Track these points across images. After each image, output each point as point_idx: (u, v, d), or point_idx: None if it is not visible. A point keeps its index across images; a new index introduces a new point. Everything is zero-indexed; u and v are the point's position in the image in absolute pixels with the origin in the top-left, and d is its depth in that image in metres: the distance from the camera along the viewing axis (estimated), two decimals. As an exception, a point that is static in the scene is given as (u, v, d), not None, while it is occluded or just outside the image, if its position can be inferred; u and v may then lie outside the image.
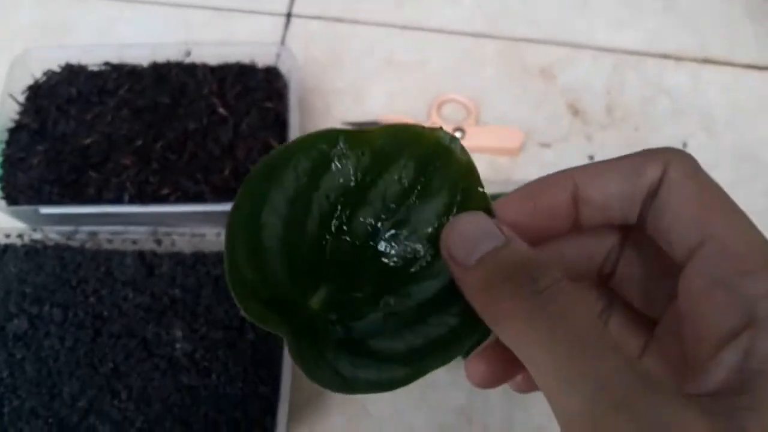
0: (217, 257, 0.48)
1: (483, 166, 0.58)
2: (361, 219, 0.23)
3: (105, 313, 0.45)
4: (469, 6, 0.67)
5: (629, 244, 0.23)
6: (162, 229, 0.47)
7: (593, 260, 0.23)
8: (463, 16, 0.66)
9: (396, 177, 0.23)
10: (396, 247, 0.23)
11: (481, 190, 0.23)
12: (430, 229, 0.23)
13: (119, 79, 0.54)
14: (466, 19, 0.66)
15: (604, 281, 0.24)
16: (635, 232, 0.22)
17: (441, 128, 0.24)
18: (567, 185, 0.21)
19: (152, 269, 0.47)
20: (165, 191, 0.49)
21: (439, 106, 0.60)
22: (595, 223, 0.21)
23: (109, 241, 0.48)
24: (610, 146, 0.59)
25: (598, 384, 0.16)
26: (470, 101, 0.60)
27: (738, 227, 0.19)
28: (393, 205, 0.23)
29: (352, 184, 0.23)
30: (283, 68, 0.56)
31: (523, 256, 0.19)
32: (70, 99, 0.53)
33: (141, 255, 0.47)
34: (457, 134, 0.57)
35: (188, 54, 0.55)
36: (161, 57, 0.55)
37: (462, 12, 0.67)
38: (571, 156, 0.59)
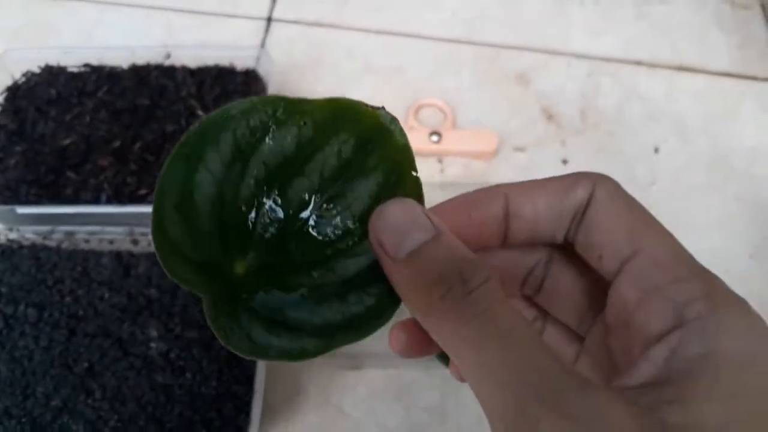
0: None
1: (458, 169, 0.59)
2: (297, 189, 0.23)
3: (80, 313, 0.46)
4: (447, 12, 0.68)
5: (555, 262, 0.24)
6: (139, 230, 0.48)
7: (516, 275, 0.24)
8: (442, 21, 0.67)
9: (335, 150, 0.23)
10: (327, 221, 0.23)
11: (414, 174, 0.23)
12: (362, 208, 0.23)
13: (98, 81, 0.54)
14: (444, 25, 0.67)
15: (530, 297, 0.25)
16: (560, 251, 0.23)
17: (383, 108, 0.24)
18: (499, 200, 0.22)
19: (129, 269, 0.47)
20: (143, 191, 0.49)
21: (417, 111, 0.61)
22: (524, 239, 0.22)
23: (86, 241, 0.48)
24: (584, 151, 0.60)
25: (525, 378, 0.17)
26: (447, 106, 0.61)
27: (665, 242, 0.20)
28: (329, 180, 0.23)
29: (291, 153, 0.22)
30: (262, 71, 0.57)
31: (454, 253, 0.19)
32: (49, 100, 0.53)
33: (118, 255, 0.48)
34: (434, 138, 0.58)
35: (168, 57, 0.56)
36: (141, 59, 0.56)
37: (440, 17, 0.68)
38: (545, 160, 0.60)
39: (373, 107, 0.24)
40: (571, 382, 0.16)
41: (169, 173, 0.21)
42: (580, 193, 0.21)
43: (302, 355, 0.21)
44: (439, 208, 0.22)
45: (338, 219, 0.23)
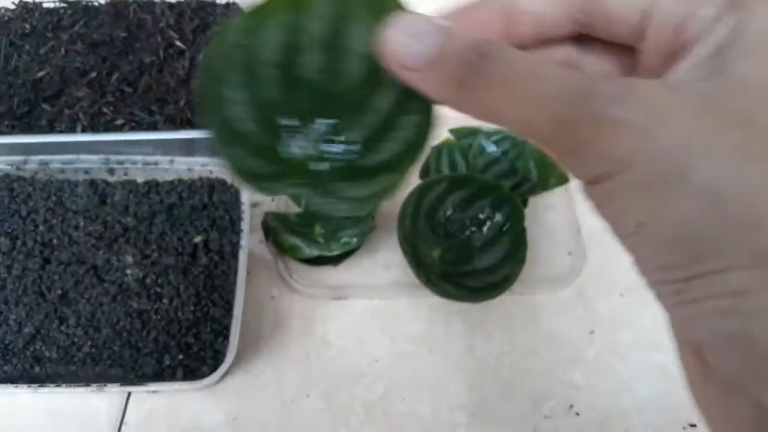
0: (171, 186, 0.47)
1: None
2: (307, 58, 0.23)
3: (55, 242, 0.44)
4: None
5: (579, 56, 0.23)
6: (114, 158, 0.47)
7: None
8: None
9: (318, 13, 0.22)
10: (343, 71, 0.23)
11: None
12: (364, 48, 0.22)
13: (75, 15, 0.53)
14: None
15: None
16: (577, 44, 0.22)
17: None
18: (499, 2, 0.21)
19: (105, 198, 0.46)
20: (119, 122, 0.48)
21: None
22: (532, 36, 0.21)
23: (61, 171, 0.47)
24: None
25: (569, 94, 0.17)
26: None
27: None
28: (326, 39, 0.23)
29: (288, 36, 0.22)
30: (243, 4, 0.55)
31: (470, 41, 0.19)
32: (23, 34, 0.52)
33: (93, 184, 0.46)
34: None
35: (145, -10, 0.54)
36: (118, -6, 0.54)
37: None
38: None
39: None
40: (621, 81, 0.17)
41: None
42: None
43: (389, 190, 0.24)
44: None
45: (348, 66, 0.22)
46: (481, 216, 0.46)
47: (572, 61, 0.22)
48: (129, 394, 0.45)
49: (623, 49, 0.21)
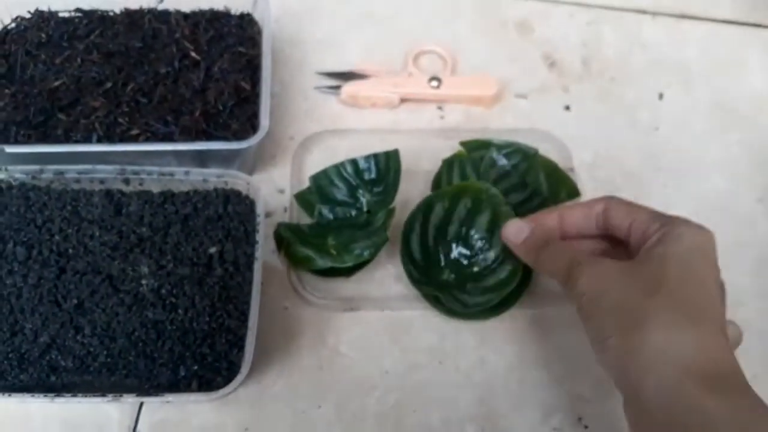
0: (186, 196, 0.47)
1: (459, 115, 0.58)
2: (452, 229, 0.48)
3: (70, 251, 0.45)
4: (445, -39, 0.67)
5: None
6: (130, 168, 0.47)
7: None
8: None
9: (463, 206, 0.48)
10: (471, 240, 0.48)
11: (506, 208, 0.47)
12: (485, 228, 0.48)
13: (90, 25, 0.53)
14: (443, -26, 0.66)
15: None
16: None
17: (481, 182, 0.49)
18: (555, 214, 0.44)
19: (120, 208, 0.46)
20: (134, 132, 0.48)
21: (415, 57, 0.59)
22: (574, 234, 0.43)
23: (77, 180, 0.47)
24: (587, 97, 0.59)
25: (570, 263, 0.40)
26: (446, 52, 0.60)
27: (646, 211, 0.40)
28: (465, 217, 0.48)
29: (444, 212, 0.49)
30: (258, 16, 0.55)
31: (540, 236, 0.43)
32: (39, 44, 0.52)
33: (108, 194, 0.47)
34: (434, 83, 0.57)
35: (161, 1, 0.55)
36: (134, 4, 0.55)
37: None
38: (547, 107, 0.58)
39: (478, 182, 0.49)
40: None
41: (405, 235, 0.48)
42: (598, 207, 0.42)
43: (493, 302, 0.47)
44: (538, 217, 0.44)
45: (476, 236, 0.48)
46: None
47: (599, 248, 0.43)
48: (141, 403, 0.45)
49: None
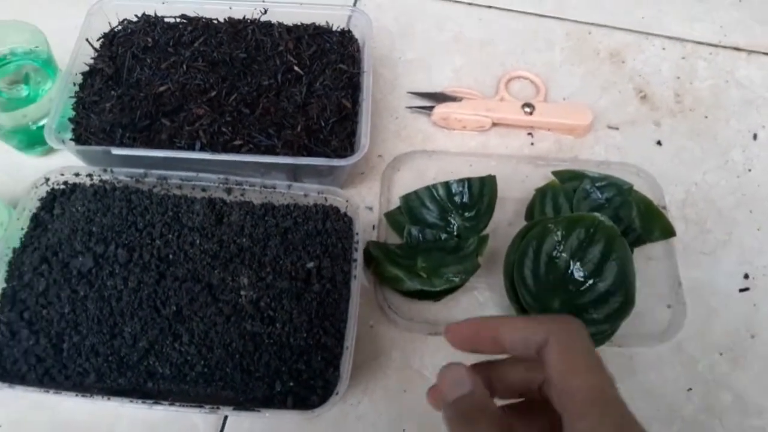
0: (286, 210, 0.47)
1: (549, 144, 0.57)
2: (564, 255, 0.48)
3: (171, 257, 0.45)
4: (538, -12, 0.67)
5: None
6: (233, 178, 0.47)
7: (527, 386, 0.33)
8: (533, -3, 0.66)
9: (576, 236, 0.48)
10: (582, 270, 0.47)
11: (621, 240, 0.47)
12: (597, 260, 0.47)
13: (195, 32, 0.54)
14: (535, 1, 0.66)
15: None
16: None
17: (595, 213, 0.48)
18: (493, 330, 0.31)
19: (221, 217, 0.47)
20: (237, 142, 0.49)
21: (507, 83, 0.59)
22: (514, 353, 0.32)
23: (179, 187, 0.48)
24: (678, 133, 0.58)
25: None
26: (538, 79, 0.59)
27: (585, 378, 0.28)
28: (577, 248, 0.48)
29: (557, 239, 0.48)
30: (356, 32, 0.56)
31: (480, 402, 0.30)
32: (145, 48, 0.53)
33: (211, 202, 0.47)
34: (527, 110, 0.57)
35: (265, 12, 0.55)
36: (237, 14, 0.56)
37: (531, -7, 0.66)
38: (638, 140, 0.58)
39: (591, 213, 0.48)
40: None
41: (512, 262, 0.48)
42: (539, 338, 0.30)
43: (605, 333, 0.46)
44: (457, 327, 0.33)
45: (585, 268, 0.47)
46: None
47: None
48: (226, 415, 0.45)
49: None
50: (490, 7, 0.65)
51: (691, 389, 0.47)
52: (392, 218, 0.52)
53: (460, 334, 0.32)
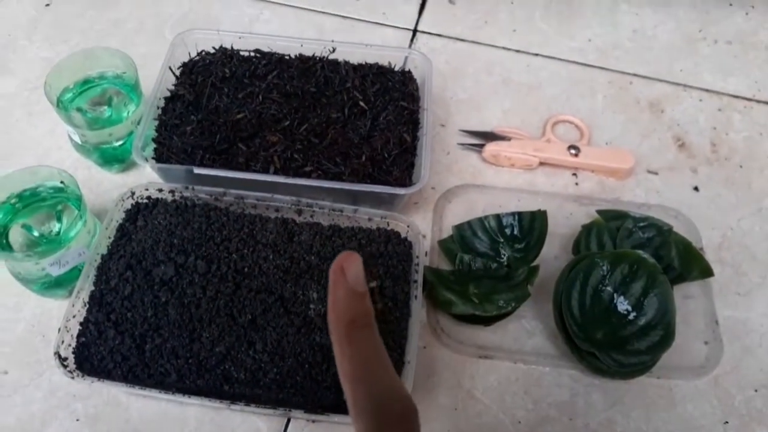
0: (352, 232, 0.51)
1: (592, 184, 0.61)
2: (609, 289, 0.51)
3: (246, 270, 0.49)
4: (582, 40, 0.71)
5: None
6: (304, 200, 0.51)
7: None
8: (577, 48, 0.70)
9: (620, 271, 0.51)
10: (624, 302, 0.51)
11: (663, 277, 0.50)
12: (639, 294, 0.50)
13: (269, 66, 0.59)
14: (580, 51, 0.70)
15: None
16: None
17: (639, 251, 0.51)
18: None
19: (292, 236, 0.50)
20: (308, 168, 0.53)
21: (554, 125, 0.63)
22: None
23: (254, 206, 0.52)
24: (714, 180, 0.62)
25: None
26: (582, 123, 0.63)
27: None
28: (621, 282, 0.51)
29: (603, 273, 0.51)
30: (415, 72, 0.60)
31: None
32: (223, 78, 0.58)
33: (283, 222, 0.51)
34: (572, 151, 0.60)
35: (333, 51, 0.60)
36: (307, 51, 0.60)
37: (575, 45, 0.71)
38: (676, 185, 0.61)
39: (633, 251, 0.52)
40: None
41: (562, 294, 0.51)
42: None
43: (643, 365, 0.50)
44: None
45: (628, 301, 0.51)
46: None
47: None
48: (289, 419, 0.48)
49: None
50: (537, 54, 0.70)
51: (727, 422, 0.50)
52: (445, 246, 0.56)
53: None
